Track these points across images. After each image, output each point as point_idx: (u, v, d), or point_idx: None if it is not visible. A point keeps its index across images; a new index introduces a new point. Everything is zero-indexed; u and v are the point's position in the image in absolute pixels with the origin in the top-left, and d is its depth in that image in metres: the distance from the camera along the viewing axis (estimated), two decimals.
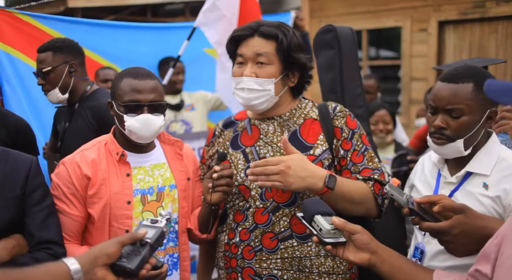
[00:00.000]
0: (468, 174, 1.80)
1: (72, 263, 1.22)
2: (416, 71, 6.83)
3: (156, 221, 1.42)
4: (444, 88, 1.74)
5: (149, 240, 1.35)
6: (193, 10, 8.29)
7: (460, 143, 1.76)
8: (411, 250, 1.99)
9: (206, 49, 4.21)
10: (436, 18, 6.55)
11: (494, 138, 1.84)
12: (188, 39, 3.92)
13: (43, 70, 2.77)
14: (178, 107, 4.45)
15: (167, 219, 1.44)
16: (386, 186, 1.61)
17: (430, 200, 1.54)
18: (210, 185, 1.91)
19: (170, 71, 3.95)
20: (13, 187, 1.75)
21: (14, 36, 3.40)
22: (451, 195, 1.83)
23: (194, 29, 3.90)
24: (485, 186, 1.75)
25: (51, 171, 3.17)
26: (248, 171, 1.80)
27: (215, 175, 1.90)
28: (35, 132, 2.74)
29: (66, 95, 2.83)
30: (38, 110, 3.45)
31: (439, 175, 1.91)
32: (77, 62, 2.84)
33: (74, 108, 2.87)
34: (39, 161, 1.89)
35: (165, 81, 3.94)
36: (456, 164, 1.84)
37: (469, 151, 1.79)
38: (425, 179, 1.98)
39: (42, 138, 3.43)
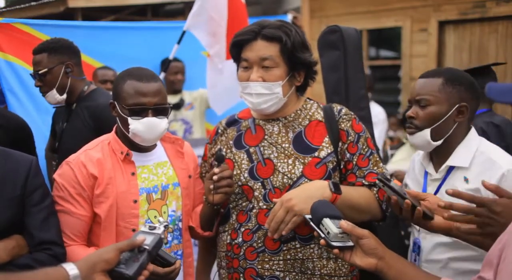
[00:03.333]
0: (451, 169, 1.87)
1: (71, 269, 1.23)
2: (416, 71, 6.81)
3: (154, 228, 1.44)
4: (418, 82, 1.94)
5: (147, 247, 1.36)
6: None
7: (427, 132, 1.86)
8: (410, 246, 2.04)
9: (204, 52, 4.19)
10: (436, 18, 6.54)
11: (473, 132, 1.91)
12: (178, 43, 3.89)
13: (39, 72, 2.74)
14: (177, 106, 4.42)
15: (164, 226, 1.46)
16: (377, 179, 1.66)
17: (419, 196, 1.66)
18: (211, 186, 1.91)
19: (161, 76, 3.91)
20: (13, 187, 1.74)
21: (13, 46, 3.40)
22: (437, 191, 1.87)
23: (184, 32, 3.87)
24: (466, 179, 1.82)
25: (49, 171, 3.16)
26: (269, 233, 1.83)
27: (215, 177, 1.89)
28: (44, 133, 2.70)
29: (64, 96, 2.81)
30: (47, 112, 3.42)
31: (426, 172, 1.98)
32: (73, 62, 2.81)
33: (71, 108, 2.85)
34: (39, 162, 1.89)
35: None
36: (439, 160, 1.92)
37: (439, 142, 1.87)
38: (415, 177, 2.05)
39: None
